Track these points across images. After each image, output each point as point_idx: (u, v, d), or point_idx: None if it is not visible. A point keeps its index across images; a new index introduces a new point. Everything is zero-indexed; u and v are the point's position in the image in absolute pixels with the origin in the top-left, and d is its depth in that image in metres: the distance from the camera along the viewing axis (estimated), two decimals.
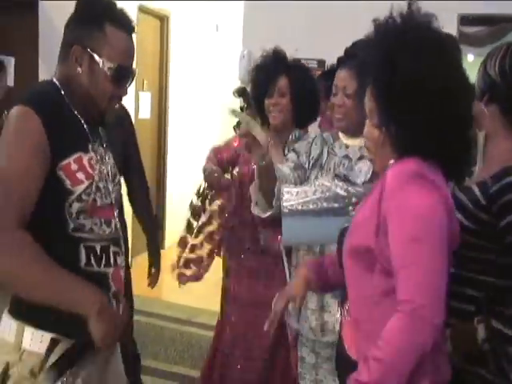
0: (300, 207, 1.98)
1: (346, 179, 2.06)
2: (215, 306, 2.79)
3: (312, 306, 2.23)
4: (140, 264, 5.21)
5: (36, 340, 1.45)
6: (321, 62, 4.30)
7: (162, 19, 5.73)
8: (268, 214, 2.08)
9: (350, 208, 1.91)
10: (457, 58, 1.41)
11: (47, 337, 1.46)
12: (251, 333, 2.46)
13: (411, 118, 1.32)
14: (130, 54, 1.57)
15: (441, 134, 1.32)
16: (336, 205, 1.94)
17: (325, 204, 1.95)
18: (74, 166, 1.46)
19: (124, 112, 2.70)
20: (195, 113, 6.18)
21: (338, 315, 1.72)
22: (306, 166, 2.18)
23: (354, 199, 1.92)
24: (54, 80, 1.53)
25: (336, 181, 2.02)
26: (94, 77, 1.51)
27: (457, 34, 3.65)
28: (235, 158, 2.63)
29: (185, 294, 3.34)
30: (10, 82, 4.17)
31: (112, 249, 1.55)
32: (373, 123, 1.41)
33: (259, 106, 2.48)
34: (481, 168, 1.61)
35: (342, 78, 2.05)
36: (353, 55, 1.95)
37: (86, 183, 1.48)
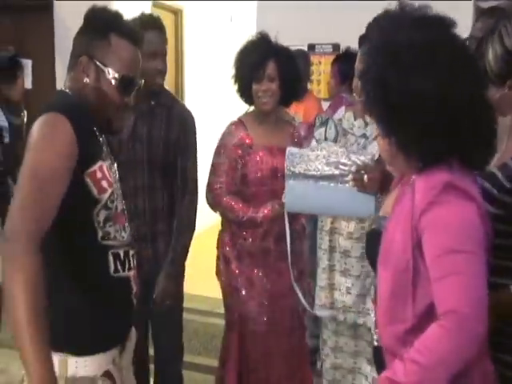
0: (302, 170, 1.99)
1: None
2: None
3: (321, 284, 2.25)
4: None
5: (81, 366, 1.47)
6: (336, 46, 4.27)
7: (176, 13, 5.74)
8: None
9: (350, 176, 1.91)
10: (449, 58, 1.31)
11: (91, 361, 1.48)
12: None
13: (407, 130, 1.29)
14: (135, 64, 1.60)
15: (447, 136, 1.29)
16: (337, 171, 1.93)
17: (326, 168, 1.95)
18: (98, 174, 1.49)
19: (189, 119, 2.48)
20: (211, 105, 6.18)
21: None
22: None
23: (353, 167, 1.92)
24: (67, 90, 1.57)
25: (339, 148, 2.02)
26: (100, 86, 1.54)
27: (473, 7, 3.58)
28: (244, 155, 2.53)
29: (207, 286, 3.35)
30: (28, 84, 4.24)
31: (131, 252, 1.60)
32: (379, 134, 1.40)
33: (246, 90, 2.48)
34: (503, 150, 1.57)
35: (359, 59, 2.06)
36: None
37: (110, 191, 1.52)
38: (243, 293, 2.53)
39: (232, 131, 2.54)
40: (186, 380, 2.72)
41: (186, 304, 3.11)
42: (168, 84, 5.66)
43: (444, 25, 1.32)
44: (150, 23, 2.37)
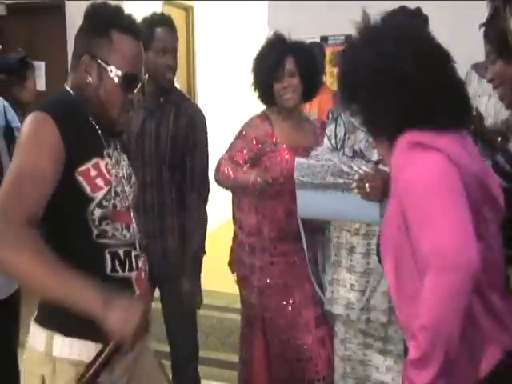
0: (310, 180, 2.04)
1: (362, 155, 2.09)
2: None
3: (329, 278, 2.28)
4: None
5: (66, 347, 1.46)
6: (348, 37, 4.25)
7: (187, 10, 5.74)
8: None
9: (354, 184, 1.95)
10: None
11: (77, 343, 1.46)
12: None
13: (371, 111, 1.39)
14: (138, 60, 1.58)
15: (413, 104, 1.32)
16: (341, 180, 1.98)
17: (331, 178, 2.00)
18: (92, 172, 1.47)
19: (198, 116, 2.47)
20: (224, 102, 6.19)
21: None
22: (335, 147, 2.21)
23: (356, 176, 1.96)
24: (68, 89, 1.56)
25: (341, 156, 2.05)
26: (103, 84, 1.52)
27: None
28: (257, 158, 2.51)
29: (223, 281, 3.36)
30: (42, 86, 4.26)
31: (133, 253, 1.56)
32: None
33: (267, 93, 2.47)
34: None
35: None
36: None
37: (105, 189, 1.49)
38: (259, 281, 2.51)
39: (257, 123, 2.51)
40: (203, 375, 2.74)
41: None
42: (179, 81, 5.70)
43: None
44: (160, 21, 2.40)
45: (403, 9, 2.27)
